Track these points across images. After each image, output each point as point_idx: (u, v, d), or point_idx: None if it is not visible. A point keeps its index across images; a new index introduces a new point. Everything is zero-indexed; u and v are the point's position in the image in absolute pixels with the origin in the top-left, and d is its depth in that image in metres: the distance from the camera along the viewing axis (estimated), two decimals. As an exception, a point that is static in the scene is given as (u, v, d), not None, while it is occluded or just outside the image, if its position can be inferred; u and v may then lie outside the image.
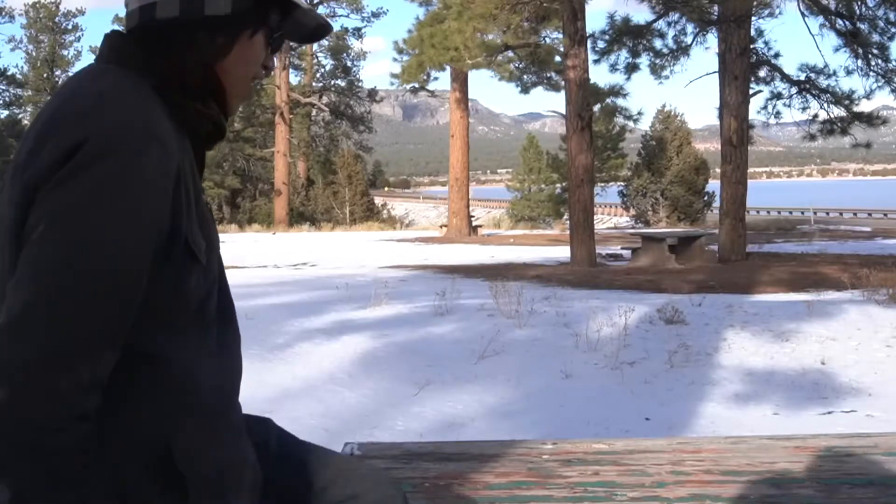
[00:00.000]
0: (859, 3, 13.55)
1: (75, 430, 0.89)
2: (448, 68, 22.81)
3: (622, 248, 16.00)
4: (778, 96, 15.14)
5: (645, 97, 21.48)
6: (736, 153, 13.85)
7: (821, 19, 14.12)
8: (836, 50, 14.19)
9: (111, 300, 0.92)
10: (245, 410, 1.37)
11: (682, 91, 16.78)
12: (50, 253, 0.90)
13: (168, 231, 0.97)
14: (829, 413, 4.35)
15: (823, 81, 14.64)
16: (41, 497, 0.88)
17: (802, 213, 35.56)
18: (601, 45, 13.88)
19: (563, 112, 13.94)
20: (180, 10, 1.02)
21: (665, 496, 1.75)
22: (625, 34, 13.67)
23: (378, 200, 42.02)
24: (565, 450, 2.09)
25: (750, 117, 14.32)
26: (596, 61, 14.03)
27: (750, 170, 14.94)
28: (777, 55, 15.10)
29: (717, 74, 14.22)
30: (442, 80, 43.15)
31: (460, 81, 25.39)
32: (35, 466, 0.87)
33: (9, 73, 38.21)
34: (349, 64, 38.14)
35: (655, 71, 14.49)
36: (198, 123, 1.07)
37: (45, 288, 0.89)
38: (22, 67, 40.39)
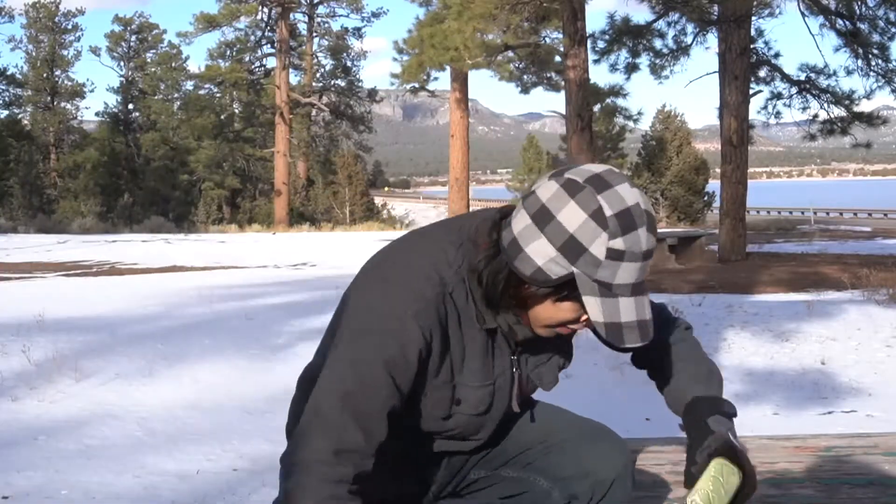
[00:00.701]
0: (859, 3, 13.55)
1: None
2: (448, 68, 22.80)
3: (622, 248, 15.97)
4: (778, 96, 15.14)
5: (645, 97, 21.50)
6: (736, 153, 13.84)
7: (821, 19, 14.12)
8: (837, 50, 14.19)
9: None
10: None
11: (682, 91, 16.78)
12: None
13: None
14: (829, 413, 4.35)
15: (823, 81, 14.64)
16: None
17: (802, 213, 35.56)
18: (601, 45, 13.88)
19: (563, 112, 13.93)
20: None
21: (665, 496, 1.75)
22: (625, 34, 13.67)
23: (378, 200, 42.00)
24: (565, 450, 2.08)
25: (750, 117, 14.32)
26: (596, 61, 14.04)
27: (750, 170, 14.94)
28: (777, 55, 15.11)
29: (717, 74, 14.22)
30: (442, 80, 43.12)
31: (460, 81, 25.39)
32: None
33: (9, 73, 38.23)
34: (349, 64, 38.15)
35: (655, 71, 14.49)
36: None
37: None
38: (22, 67, 40.39)
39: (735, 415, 1.42)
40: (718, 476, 1.26)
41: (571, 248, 1.20)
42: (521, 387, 1.45)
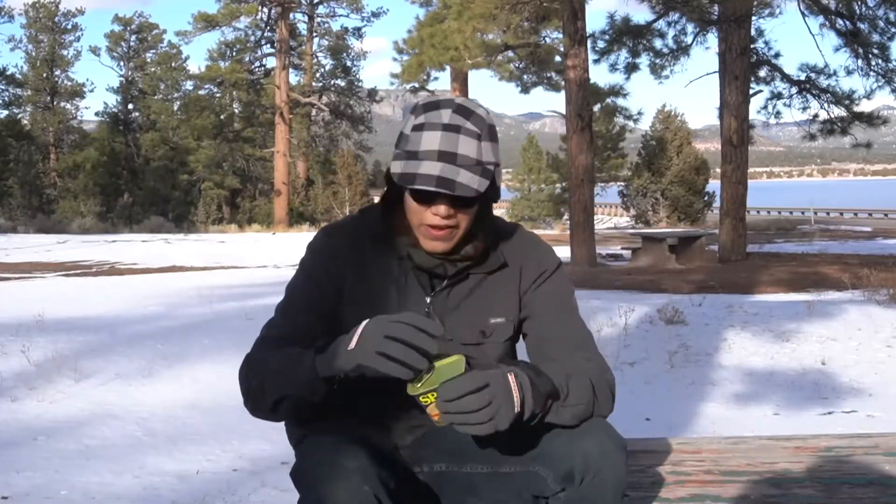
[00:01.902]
0: (859, 2, 13.55)
1: None
2: (448, 68, 22.83)
3: (622, 249, 16.01)
4: (778, 96, 15.15)
5: (645, 97, 21.49)
6: (736, 153, 13.85)
7: (821, 19, 14.12)
8: (837, 50, 14.20)
9: None
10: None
11: (682, 91, 16.79)
12: None
13: None
14: (830, 413, 4.34)
15: (824, 81, 14.65)
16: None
17: (803, 213, 35.56)
18: (601, 44, 13.88)
19: (563, 112, 13.93)
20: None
21: (665, 496, 1.75)
22: (625, 34, 13.66)
23: (378, 200, 41.96)
24: (565, 450, 2.08)
25: (750, 117, 14.33)
26: (596, 61, 14.03)
27: (750, 170, 14.94)
28: (777, 55, 15.12)
29: (717, 74, 14.22)
30: (442, 80, 43.02)
31: (460, 81, 25.39)
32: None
33: (8, 72, 38.22)
34: (349, 64, 38.13)
35: (655, 71, 14.49)
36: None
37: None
38: (22, 67, 40.38)
39: (555, 396, 1.44)
40: (448, 364, 1.35)
41: (398, 142, 1.53)
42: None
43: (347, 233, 1.64)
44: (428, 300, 1.59)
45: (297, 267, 1.68)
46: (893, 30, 13.65)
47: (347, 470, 1.35)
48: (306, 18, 37.39)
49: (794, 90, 14.95)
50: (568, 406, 1.46)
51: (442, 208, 1.49)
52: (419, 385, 1.34)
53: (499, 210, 41.95)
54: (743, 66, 13.59)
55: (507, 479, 1.50)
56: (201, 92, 36.92)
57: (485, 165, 1.48)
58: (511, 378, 1.37)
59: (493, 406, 1.33)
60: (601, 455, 1.41)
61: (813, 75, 14.68)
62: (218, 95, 37.29)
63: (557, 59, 15.53)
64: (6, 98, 38.79)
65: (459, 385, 1.32)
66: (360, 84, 38.27)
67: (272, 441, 3.73)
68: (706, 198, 30.61)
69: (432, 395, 1.34)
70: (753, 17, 14.06)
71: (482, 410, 1.33)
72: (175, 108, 40.13)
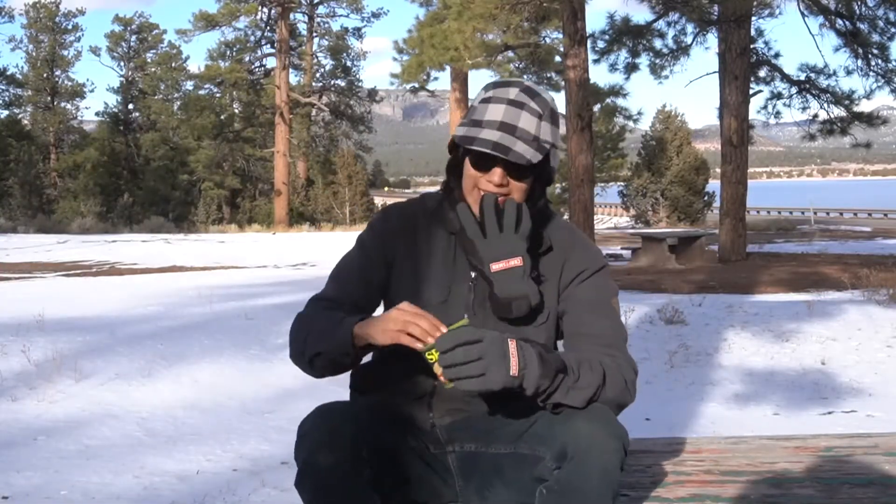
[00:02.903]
0: (859, 2, 13.54)
1: None
2: (448, 68, 22.79)
3: (622, 249, 16.01)
4: (778, 96, 15.14)
5: (645, 97, 21.49)
6: (736, 153, 13.84)
7: (821, 19, 14.11)
8: (836, 50, 14.19)
9: None
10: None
11: (682, 91, 16.79)
12: None
13: None
14: (830, 413, 4.35)
15: (823, 81, 14.64)
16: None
17: (803, 213, 35.56)
18: (601, 45, 13.86)
19: (563, 112, 13.93)
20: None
21: (665, 496, 1.75)
22: (625, 34, 13.66)
23: (378, 200, 41.98)
24: (565, 450, 2.08)
25: (750, 117, 14.32)
26: (596, 61, 14.02)
27: (750, 170, 14.94)
28: (777, 55, 15.11)
29: (717, 74, 14.23)
30: (442, 80, 43.08)
31: (460, 81, 25.39)
32: None
33: (9, 73, 38.20)
34: (349, 64, 38.11)
35: (655, 71, 14.48)
36: None
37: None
38: (22, 67, 40.37)
39: (562, 371, 1.50)
40: (455, 327, 1.46)
41: (466, 114, 1.66)
42: (477, 303, 1.65)
43: (403, 210, 1.76)
44: (473, 275, 1.66)
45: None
46: (893, 30, 13.65)
47: (334, 419, 1.50)
48: (306, 18, 37.40)
49: (793, 90, 14.95)
50: (578, 388, 1.51)
51: (497, 174, 1.59)
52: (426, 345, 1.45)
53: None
54: (743, 66, 13.59)
55: (524, 460, 1.55)
56: (201, 92, 36.88)
57: (541, 142, 1.61)
58: (511, 342, 1.44)
59: (485, 361, 1.40)
60: (590, 437, 1.43)
61: (813, 75, 14.68)
62: (218, 95, 37.26)
63: (557, 59, 15.55)
64: (6, 98, 38.83)
65: (453, 336, 1.42)
66: (360, 84, 38.27)
67: (272, 441, 3.73)
68: (706, 198, 30.59)
69: (437, 352, 1.44)
70: (753, 17, 14.05)
71: (472, 363, 1.40)
72: (175, 108, 40.12)
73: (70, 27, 40.64)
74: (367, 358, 1.69)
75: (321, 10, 37.20)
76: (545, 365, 1.46)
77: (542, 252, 1.67)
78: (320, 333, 1.60)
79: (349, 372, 1.68)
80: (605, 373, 1.55)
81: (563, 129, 17.34)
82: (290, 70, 35.19)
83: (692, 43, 14.45)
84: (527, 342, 1.48)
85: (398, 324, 1.47)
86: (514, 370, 1.42)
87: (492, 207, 1.59)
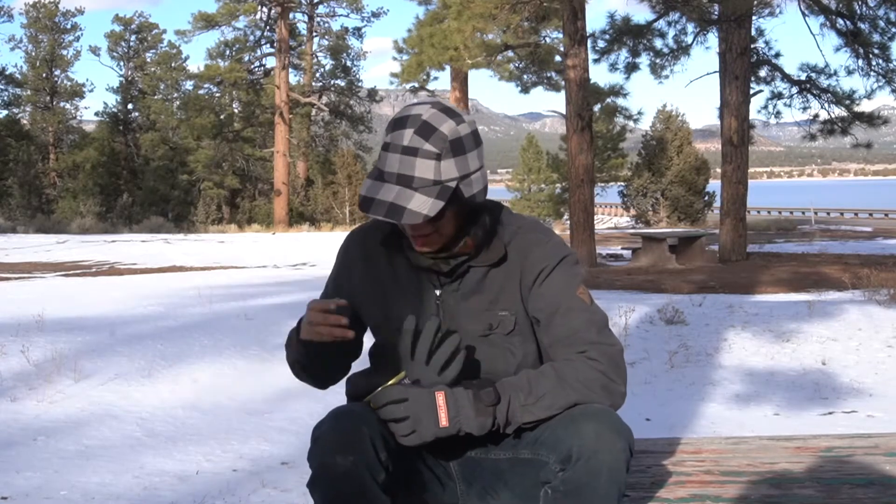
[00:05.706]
0: (860, 2, 13.54)
1: None
2: (448, 68, 22.82)
3: (622, 248, 16.01)
4: (778, 96, 15.14)
5: (645, 97, 21.47)
6: (736, 153, 13.84)
7: (821, 19, 14.11)
8: (837, 50, 14.19)
9: None
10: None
11: (682, 91, 16.79)
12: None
13: None
14: (830, 413, 4.34)
15: (824, 81, 14.63)
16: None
17: (803, 213, 35.58)
18: (601, 44, 13.87)
19: (563, 112, 13.93)
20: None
21: (665, 496, 1.75)
22: (625, 34, 13.66)
23: (378, 200, 41.90)
24: (565, 450, 2.07)
25: (750, 117, 14.31)
26: (596, 61, 14.03)
27: (750, 170, 14.94)
28: (777, 55, 15.10)
29: (717, 74, 14.21)
30: (442, 80, 43.08)
31: (460, 81, 25.41)
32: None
33: (8, 72, 38.19)
34: (349, 64, 38.09)
35: (655, 71, 14.48)
36: None
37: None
38: (21, 67, 40.35)
39: (494, 402, 1.53)
40: (395, 379, 1.57)
41: (380, 151, 1.60)
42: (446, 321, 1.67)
43: (363, 234, 1.79)
44: (438, 293, 1.68)
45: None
46: (894, 30, 13.65)
47: (345, 421, 1.53)
48: (306, 18, 37.37)
49: (794, 90, 14.95)
50: (538, 399, 1.53)
51: (408, 228, 1.61)
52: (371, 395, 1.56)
53: (499, 210, 41.61)
54: (743, 66, 13.59)
55: (526, 465, 1.56)
56: (201, 92, 36.86)
57: (444, 184, 1.53)
58: (439, 395, 1.50)
59: (412, 420, 1.49)
60: (596, 437, 1.43)
61: (813, 75, 14.67)
62: (217, 95, 37.24)
63: (557, 58, 15.53)
64: (6, 98, 38.79)
65: (385, 394, 1.52)
66: (360, 84, 38.24)
67: (272, 441, 3.73)
68: (706, 198, 30.60)
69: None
70: (753, 17, 14.05)
71: (402, 422, 1.49)
72: (175, 107, 40.10)
73: (69, 27, 40.66)
74: (364, 366, 1.72)
75: (321, 9, 37.19)
76: (479, 405, 1.50)
77: (497, 263, 1.66)
78: (288, 346, 1.76)
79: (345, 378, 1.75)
80: (556, 374, 1.55)
81: (563, 129, 17.27)
82: (290, 70, 35.18)
83: (692, 43, 14.46)
84: (461, 386, 1.52)
85: (307, 323, 1.60)
86: (443, 422, 1.48)
87: (430, 336, 1.56)
